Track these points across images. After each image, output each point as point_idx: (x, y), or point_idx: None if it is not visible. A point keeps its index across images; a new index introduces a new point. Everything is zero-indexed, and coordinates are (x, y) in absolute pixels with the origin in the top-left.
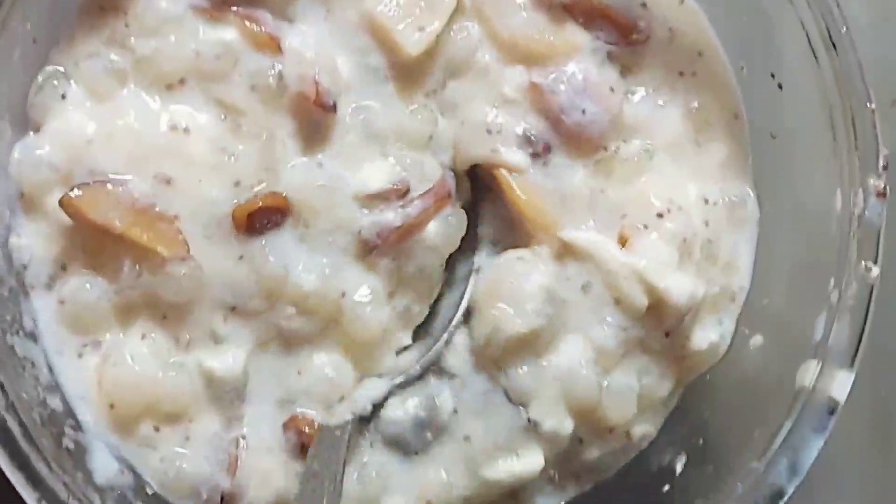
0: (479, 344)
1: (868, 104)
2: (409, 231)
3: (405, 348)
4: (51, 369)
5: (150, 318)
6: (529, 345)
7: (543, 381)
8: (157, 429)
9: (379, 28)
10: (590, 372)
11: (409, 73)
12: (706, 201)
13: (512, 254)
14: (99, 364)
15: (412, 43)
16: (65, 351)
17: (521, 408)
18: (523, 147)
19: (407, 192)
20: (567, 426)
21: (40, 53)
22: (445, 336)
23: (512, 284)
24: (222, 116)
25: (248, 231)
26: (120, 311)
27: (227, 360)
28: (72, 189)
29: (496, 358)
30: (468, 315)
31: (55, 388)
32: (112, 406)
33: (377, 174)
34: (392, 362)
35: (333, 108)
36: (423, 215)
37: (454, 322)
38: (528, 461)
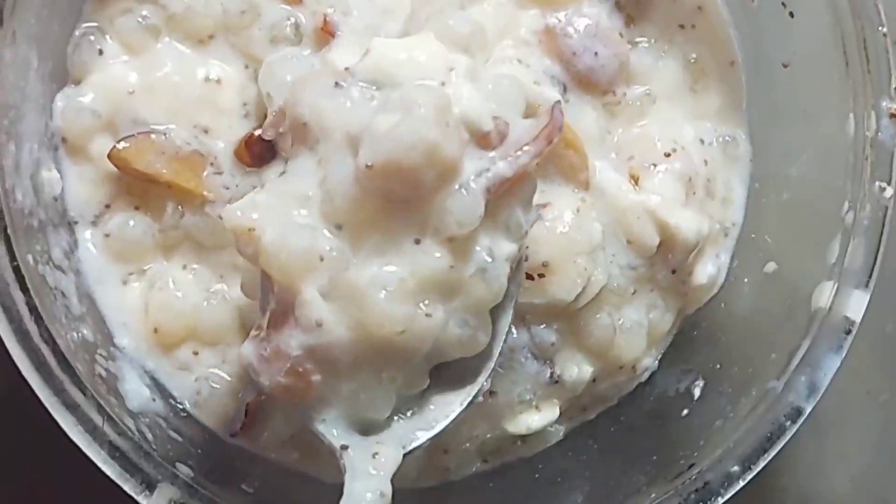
0: (556, 302)
1: (880, 28)
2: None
3: None
4: (80, 300)
5: (190, 251)
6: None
7: (567, 334)
8: (196, 353)
9: None
10: (605, 314)
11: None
12: (702, 142)
13: (564, 204)
14: (144, 290)
15: None
16: (107, 279)
17: (546, 363)
18: (553, 84)
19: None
20: (586, 372)
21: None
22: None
23: (583, 235)
24: (245, 66)
25: (252, 162)
26: (163, 246)
27: None
28: (119, 142)
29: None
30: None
31: (85, 318)
32: (156, 330)
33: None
34: None
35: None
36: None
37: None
38: (546, 414)
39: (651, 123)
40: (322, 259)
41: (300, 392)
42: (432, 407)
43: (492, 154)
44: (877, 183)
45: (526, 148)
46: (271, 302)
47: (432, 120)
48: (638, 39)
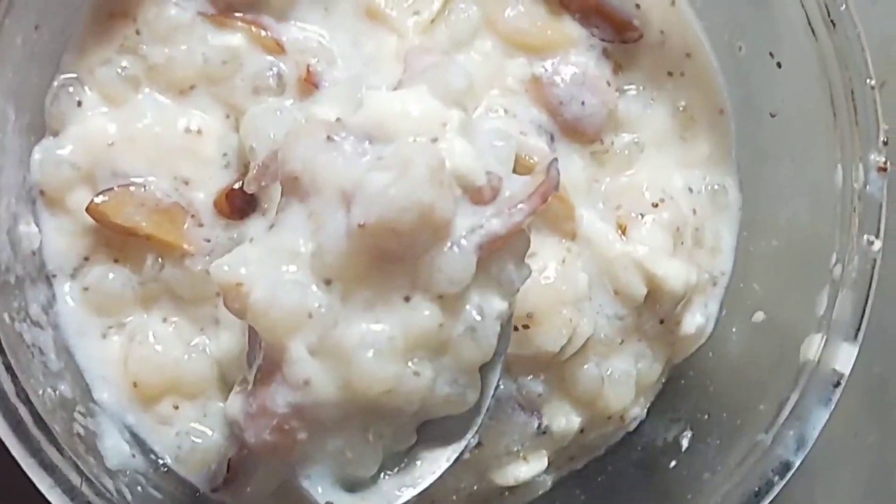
0: (541, 353)
1: (868, 80)
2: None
3: None
4: (59, 355)
5: (170, 304)
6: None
7: (554, 385)
8: (176, 406)
9: (375, 14)
10: (592, 365)
11: None
12: (690, 190)
13: (549, 254)
14: (124, 343)
15: (408, 28)
16: (87, 332)
17: (534, 414)
18: (540, 134)
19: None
20: (574, 422)
21: (46, 46)
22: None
23: (568, 286)
24: (227, 115)
25: (232, 214)
26: (142, 298)
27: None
28: (97, 195)
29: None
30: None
31: (63, 374)
32: (136, 384)
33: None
34: None
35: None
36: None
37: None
38: (534, 465)
39: (639, 172)
40: (311, 316)
41: (286, 449)
42: (419, 462)
43: (485, 210)
44: (865, 236)
45: (521, 206)
46: (258, 356)
47: (427, 180)
48: (626, 87)
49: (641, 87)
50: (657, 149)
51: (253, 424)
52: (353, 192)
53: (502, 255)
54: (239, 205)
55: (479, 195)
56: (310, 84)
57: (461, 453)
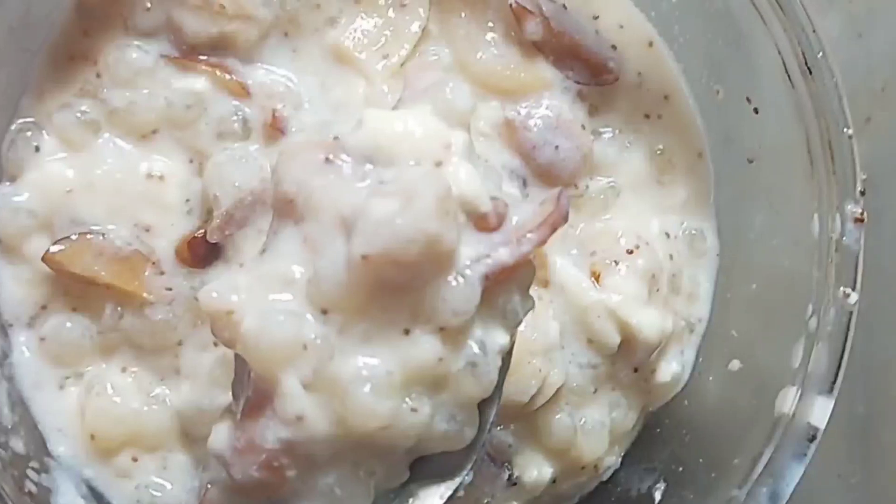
0: (510, 403)
1: (845, 129)
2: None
3: None
4: (13, 409)
5: (129, 353)
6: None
7: (525, 436)
8: (135, 459)
9: (343, 57)
10: (564, 414)
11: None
12: (668, 235)
13: None
14: (82, 394)
15: (376, 71)
16: (43, 383)
17: (504, 466)
18: (512, 179)
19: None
20: (546, 473)
21: (4, 89)
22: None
23: (539, 334)
24: (190, 160)
25: (195, 262)
26: (101, 348)
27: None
28: (53, 244)
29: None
30: None
31: (17, 428)
32: (93, 437)
33: None
34: None
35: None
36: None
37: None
38: None
39: (615, 217)
40: (306, 348)
41: (274, 487)
42: (411, 500)
43: (490, 237)
44: (841, 288)
45: (530, 235)
46: (247, 388)
47: (433, 211)
48: (602, 129)
49: (618, 130)
50: (634, 193)
51: (240, 460)
52: (353, 219)
53: (509, 285)
54: (202, 253)
55: (483, 221)
56: (276, 129)
57: (455, 490)
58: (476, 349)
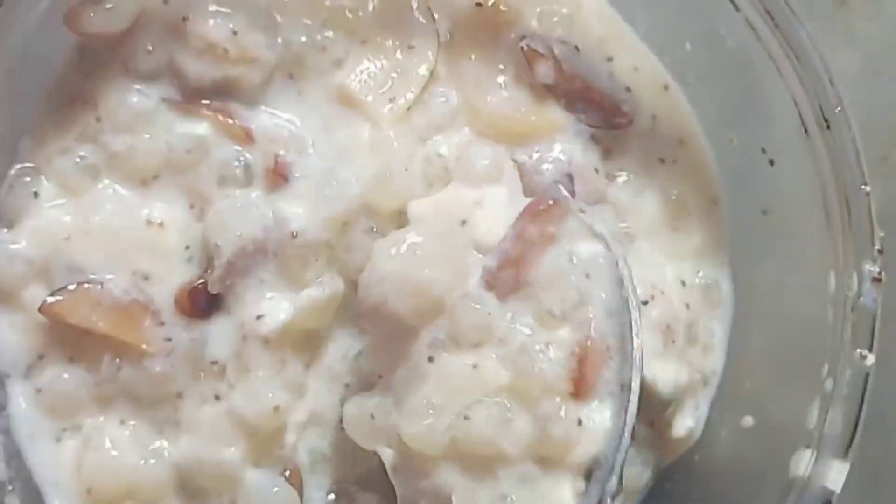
0: None
1: (863, 186)
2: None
3: None
4: (8, 462)
5: (127, 405)
6: None
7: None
8: None
9: (349, 100)
10: None
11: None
12: (683, 284)
13: None
14: (79, 448)
15: (383, 115)
16: (40, 436)
17: None
18: None
19: None
20: None
21: (2, 133)
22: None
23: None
24: (191, 205)
25: (194, 313)
26: (99, 399)
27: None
28: (51, 294)
29: None
30: None
31: (13, 482)
32: (90, 491)
33: None
34: None
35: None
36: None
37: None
38: None
39: (632, 265)
40: None
41: None
42: None
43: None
44: (858, 350)
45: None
46: None
47: None
48: (616, 173)
49: (632, 174)
50: (648, 239)
51: None
52: None
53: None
54: (202, 304)
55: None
56: (279, 176)
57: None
58: None
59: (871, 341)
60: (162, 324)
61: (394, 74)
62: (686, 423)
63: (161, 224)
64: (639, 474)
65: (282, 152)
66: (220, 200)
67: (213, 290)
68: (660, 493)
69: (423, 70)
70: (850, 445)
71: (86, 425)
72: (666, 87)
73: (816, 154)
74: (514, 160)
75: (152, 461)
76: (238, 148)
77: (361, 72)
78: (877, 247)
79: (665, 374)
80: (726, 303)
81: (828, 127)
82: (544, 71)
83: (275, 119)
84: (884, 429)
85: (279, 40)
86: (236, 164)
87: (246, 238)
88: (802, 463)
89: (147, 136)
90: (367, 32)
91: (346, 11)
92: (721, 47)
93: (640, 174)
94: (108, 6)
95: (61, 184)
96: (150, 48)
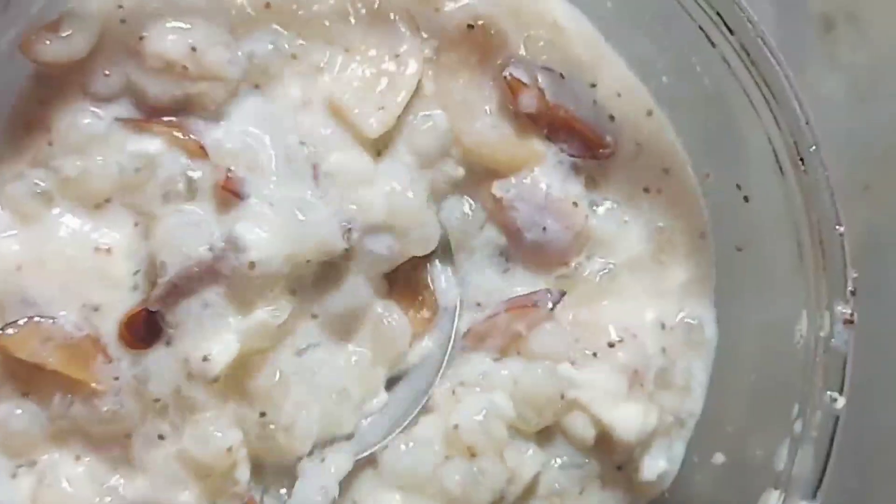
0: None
1: (837, 227)
2: None
3: None
4: None
5: (82, 441)
6: None
7: None
8: None
9: (339, 112)
10: None
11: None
12: (663, 326)
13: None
14: (34, 484)
15: (370, 124)
16: None
17: None
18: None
19: None
20: None
21: None
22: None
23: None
24: (135, 223)
25: (135, 344)
26: (53, 435)
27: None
28: (2, 328)
29: None
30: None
31: None
32: None
33: None
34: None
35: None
36: None
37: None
38: None
39: (609, 304)
40: None
41: None
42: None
43: None
44: (828, 393)
45: None
46: None
47: None
48: (600, 202)
49: (616, 204)
50: (631, 273)
51: None
52: None
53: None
54: (141, 333)
55: None
56: (228, 192)
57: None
58: None
59: (841, 384)
60: (110, 361)
61: (381, 83)
62: (658, 466)
63: (108, 250)
64: None
65: (233, 167)
66: (168, 217)
67: (151, 307)
68: None
69: (411, 78)
70: (818, 487)
71: (41, 461)
72: (650, 113)
73: (790, 193)
74: (493, 194)
75: (108, 499)
76: (186, 161)
77: (350, 82)
78: (849, 288)
79: (627, 417)
80: (709, 344)
81: (803, 166)
82: (527, 101)
83: (231, 133)
84: (861, 459)
85: (240, 53)
86: (179, 178)
87: (192, 257)
88: None
89: (99, 158)
90: (350, 40)
91: (325, 21)
92: (697, 82)
93: (625, 204)
94: (64, 34)
95: (15, 211)
96: (108, 71)
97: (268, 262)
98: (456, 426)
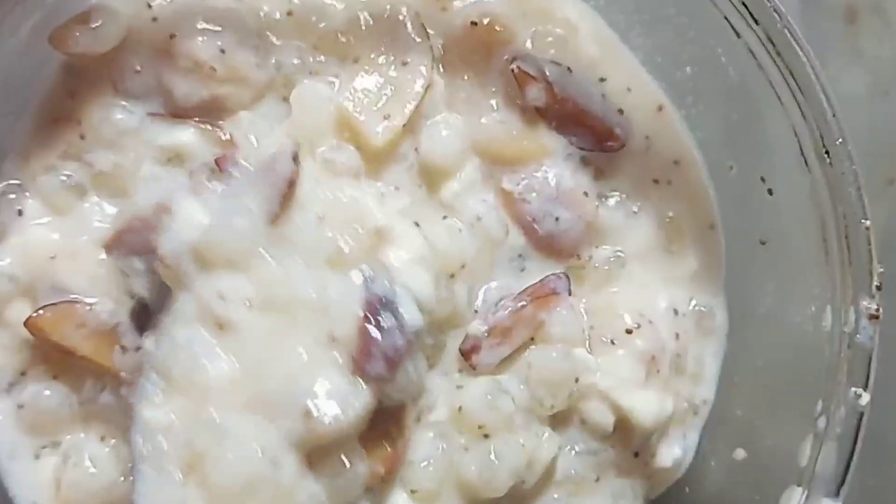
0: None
1: (863, 221)
2: None
3: None
4: None
5: (108, 424)
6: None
7: None
8: None
9: (342, 118)
10: None
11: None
12: (676, 312)
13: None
14: (58, 465)
15: (377, 133)
16: (19, 454)
17: None
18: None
19: None
20: None
21: None
22: None
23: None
24: None
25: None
26: (81, 417)
27: None
28: (38, 310)
29: None
30: None
31: None
32: None
33: None
34: None
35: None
36: None
37: None
38: None
39: (621, 290)
40: None
41: None
42: None
43: None
44: (853, 389)
45: None
46: None
47: None
48: (608, 194)
49: (625, 195)
50: (641, 262)
51: None
52: None
53: None
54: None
55: None
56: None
57: None
58: None
59: (866, 380)
60: (129, 348)
61: (388, 91)
62: (673, 453)
63: None
64: None
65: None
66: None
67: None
68: None
69: (418, 87)
70: (842, 484)
71: (65, 442)
72: (660, 108)
73: (816, 186)
74: (503, 188)
75: (131, 479)
76: (217, 152)
77: (355, 89)
78: (875, 283)
79: (645, 403)
80: (720, 332)
81: (828, 159)
82: (535, 94)
83: (255, 120)
84: (882, 458)
85: (272, 61)
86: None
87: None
88: (793, 501)
89: (132, 154)
90: (360, 50)
91: (339, 35)
92: (721, 73)
93: (634, 195)
94: (94, 26)
95: (47, 202)
96: (139, 67)
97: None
98: (460, 408)
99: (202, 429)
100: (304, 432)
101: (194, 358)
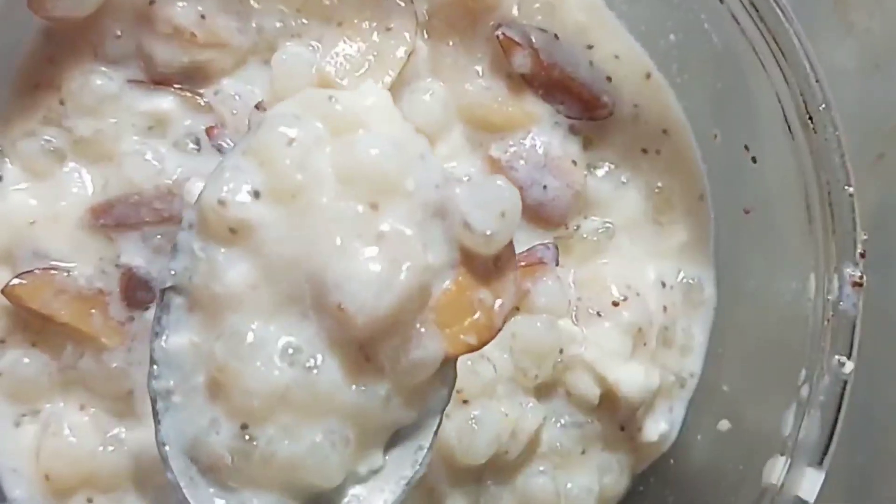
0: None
1: (847, 187)
2: None
3: None
4: None
5: (88, 392)
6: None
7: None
8: (90, 500)
9: (324, 83)
10: (547, 478)
11: None
12: (664, 285)
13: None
14: (38, 432)
15: None
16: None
17: None
18: None
19: None
20: None
21: None
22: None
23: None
24: None
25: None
26: (60, 385)
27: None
28: (16, 276)
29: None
30: None
31: None
32: (48, 477)
33: None
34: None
35: None
36: None
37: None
38: None
39: (610, 262)
40: None
41: None
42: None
43: None
44: (836, 357)
45: None
46: None
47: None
48: (597, 164)
49: (614, 165)
50: (629, 234)
51: None
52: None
53: None
54: (137, 295)
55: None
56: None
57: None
58: None
59: (850, 348)
60: (131, 318)
61: (370, 57)
62: (659, 427)
63: None
64: (616, 481)
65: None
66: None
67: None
68: (633, 498)
69: (400, 52)
70: (825, 454)
71: (45, 410)
72: (648, 76)
73: (800, 153)
74: (490, 155)
75: (110, 448)
76: (198, 117)
77: (337, 54)
78: (859, 250)
79: (632, 376)
80: (708, 304)
81: (812, 125)
82: (521, 60)
83: (237, 86)
84: (870, 435)
85: (253, 24)
86: (189, 135)
87: (137, 186)
88: (776, 470)
89: (113, 120)
90: (344, 14)
91: None
92: (706, 40)
93: (622, 165)
94: None
95: (26, 167)
96: (119, 33)
97: None
98: None
99: (227, 340)
100: (337, 329)
101: (213, 267)
